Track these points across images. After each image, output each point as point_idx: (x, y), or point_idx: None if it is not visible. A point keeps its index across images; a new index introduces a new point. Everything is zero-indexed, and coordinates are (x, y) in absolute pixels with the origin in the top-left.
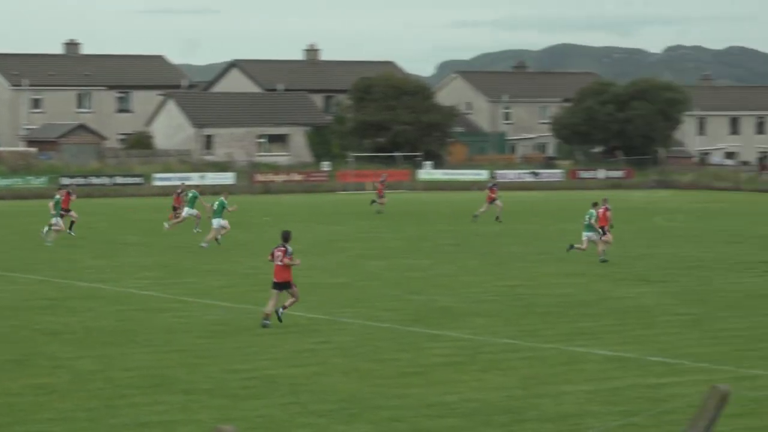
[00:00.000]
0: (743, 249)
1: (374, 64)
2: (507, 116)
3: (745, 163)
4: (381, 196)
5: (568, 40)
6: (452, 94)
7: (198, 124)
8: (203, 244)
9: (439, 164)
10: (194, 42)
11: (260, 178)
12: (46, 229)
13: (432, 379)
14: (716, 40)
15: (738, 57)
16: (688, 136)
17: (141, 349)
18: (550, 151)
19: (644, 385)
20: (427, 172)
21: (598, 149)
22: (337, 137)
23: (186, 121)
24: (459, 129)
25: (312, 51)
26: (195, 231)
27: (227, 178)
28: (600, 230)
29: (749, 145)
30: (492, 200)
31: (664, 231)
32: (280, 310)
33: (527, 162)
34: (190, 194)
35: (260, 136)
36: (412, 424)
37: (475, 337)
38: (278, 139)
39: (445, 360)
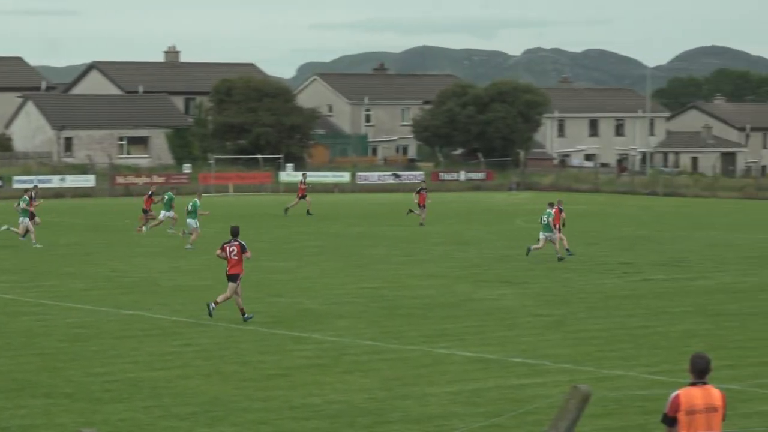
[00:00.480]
0: (603, 250)
1: (235, 66)
2: (368, 118)
3: (604, 164)
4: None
5: (428, 43)
6: (313, 97)
7: (58, 126)
8: (188, 246)
9: (300, 166)
10: (54, 43)
11: (121, 180)
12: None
13: (296, 381)
14: (575, 43)
15: (596, 59)
16: (548, 138)
17: (1, 353)
18: (412, 153)
19: (507, 386)
20: (289, 174)
21: (459, 151)
22: (198, 139)
23: (46, 123)
24: (320, 131)
25: (172, 53)
26: (169, 232)
27: (88, 180)
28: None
29: (608, 147)
30: (423, 204)
31: (524, 233)
32: (212, 305)
33: (389, 164)
34: (167, 196)
35: (121, 138)
36: (276, 426)
37: (338, 339)
38: (139, 141)
39: (308, 362)
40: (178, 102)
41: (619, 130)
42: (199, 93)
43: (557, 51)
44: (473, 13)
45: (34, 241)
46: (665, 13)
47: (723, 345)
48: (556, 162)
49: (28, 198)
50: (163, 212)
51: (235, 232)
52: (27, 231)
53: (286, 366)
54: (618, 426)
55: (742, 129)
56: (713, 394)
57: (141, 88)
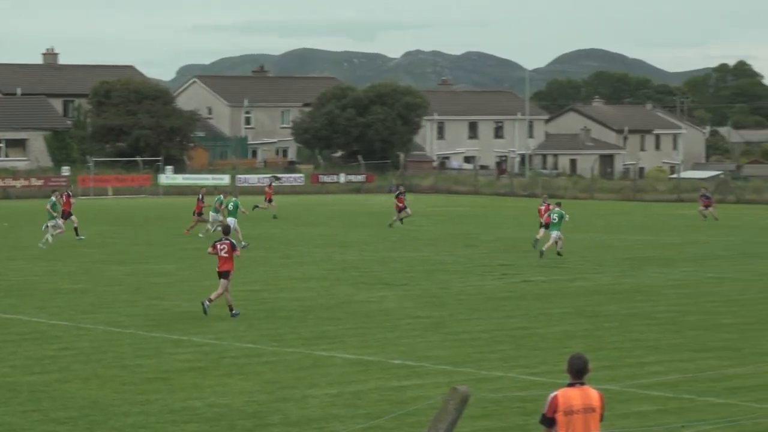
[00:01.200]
0: (482, 252)
1: (114, 68)
2: (248, 120)
3: (483, 167)
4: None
5: (308, 45)
6: (193, 99)
7: None
8: (243, 244)
9: (180, 169)
10: None
11: None
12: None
13: (176, 384)
14: (454, 45)
15: (475, 62)
16: (428, 140)
17: None
18: (292, 155)
19: (387, 388)
20: (168, 177)
21: (339, 153)
22: (77, 142)
23: None
24: (200, 133)
25: (50, 55)
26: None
27: None
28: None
29: (488, 149)
30: (401, 208)
31: (404, 235)
32: (206, 302)
33: (269, 166)
34: (231, 203)
35: None
36: (155, 430)
37: (218, 342)
38: (17, 144)
39: (188, 365)
40: (57, 104)
41: (498, 132)
42: (78, 95)
43: (437, 53)
44: (353, 15)
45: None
46: (544, 16)
47: (601, 346)
48: (435, 164)
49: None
50: (214, 215)
51: (226, 231)
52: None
53: (165, 369)
54: (497, 427)
55: (620, 131)
56: (591, 394)
57: (19, 90)
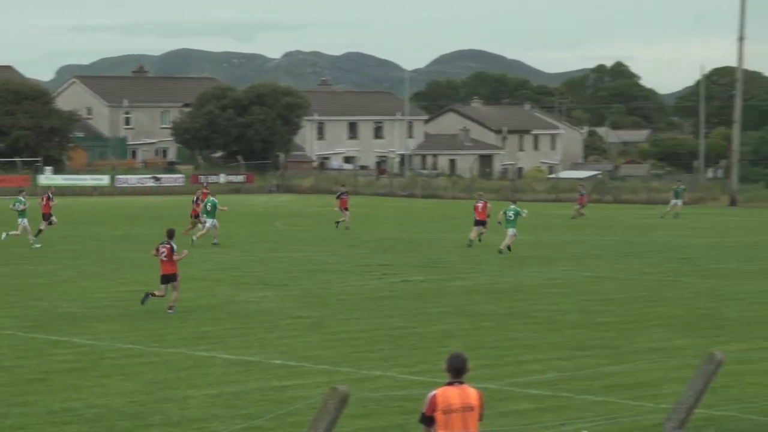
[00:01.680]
0: (362, 252)
1: None
2: (127, 121)
3: (363, 167)
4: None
5: (188, 45)
6: (72, 99)
7: None
8: (215, 241)
9: (59, 169)
10: None
11: None
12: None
13: (55, 385)
14: (334, 46)
15: (355, 62)
16: (308, 140)
17: None
18: (172, 155)
19: (267, 388)
20: (48, 177)
21: (219, 154)
22: None
23: None
24: (79, 134)
25: None
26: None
27: None
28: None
29: (367, 149)
30: (345, 208)
31: (284, 235)
32: (168, 311)
33: (149, 167)
34: (210, 203)
35: None
36: (35, 431)
37: (97, 343)
38: None
39: (68, 366)
40: None
41: (378, 133)
42: None
43: (316, 54)
44: (232, 16)
45: (31, 240)
46: (423, 17)
47: (480, 345)
48: (315, 164)
49: (44, 199)
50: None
51: (170, 235)
52: (25, 231)
53: (44, 370)
54: (377, 426)
55: (498, 131)
56: (470, 393)
57: None
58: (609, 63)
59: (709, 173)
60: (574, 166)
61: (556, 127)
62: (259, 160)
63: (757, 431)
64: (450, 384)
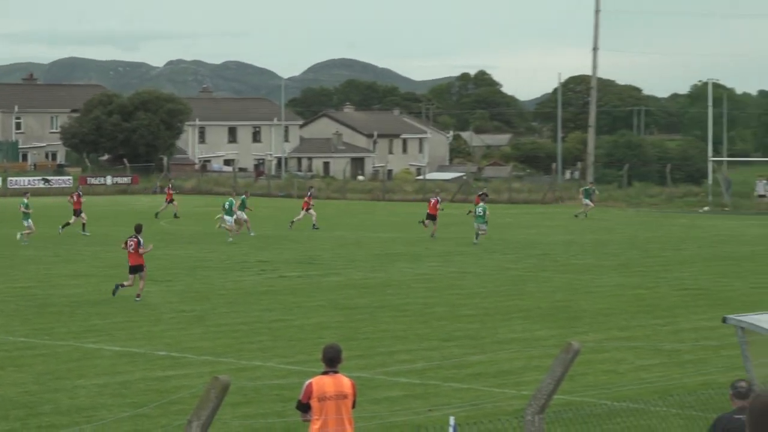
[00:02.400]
0: (242, 249)
1: None
2: (18, 126)
3: (242, 169)
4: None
5: (76, 54)
6: None
7: None
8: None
9: None
10: None
11: None
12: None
13: None
14: (214, 55)
15: (235, 71)
16: (190, 144)
17: None
18: (61, 158)
19: (152, 378)
20: None
21: (105, 157)
22: None
23: None
24: None
25: None
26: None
27: None
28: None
29: (246, 152)
30: (308, 208)
31: (168, 234)
32: (136, 299)
33: (39, 169)
34: (241, 199)
35: None
36: None
37: None
38: None
39: None
40: None
41: (256, 137)
42: None
43: (198, 63)
44: (118, 26)
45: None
46: (299, 27)
47: (353, 336)
48: (197, 167)
49: (75, 196)
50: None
51: (137, 229)
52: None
53: None
54: (256, 413)
55: (369, 135)
56: (343, 382)
57: None
58: (473, 71)
59: (567, 175)
60: (441, 168)
61: (424, 132)
62: (144, 163)
63: (610, 415)
64: (325, 373)
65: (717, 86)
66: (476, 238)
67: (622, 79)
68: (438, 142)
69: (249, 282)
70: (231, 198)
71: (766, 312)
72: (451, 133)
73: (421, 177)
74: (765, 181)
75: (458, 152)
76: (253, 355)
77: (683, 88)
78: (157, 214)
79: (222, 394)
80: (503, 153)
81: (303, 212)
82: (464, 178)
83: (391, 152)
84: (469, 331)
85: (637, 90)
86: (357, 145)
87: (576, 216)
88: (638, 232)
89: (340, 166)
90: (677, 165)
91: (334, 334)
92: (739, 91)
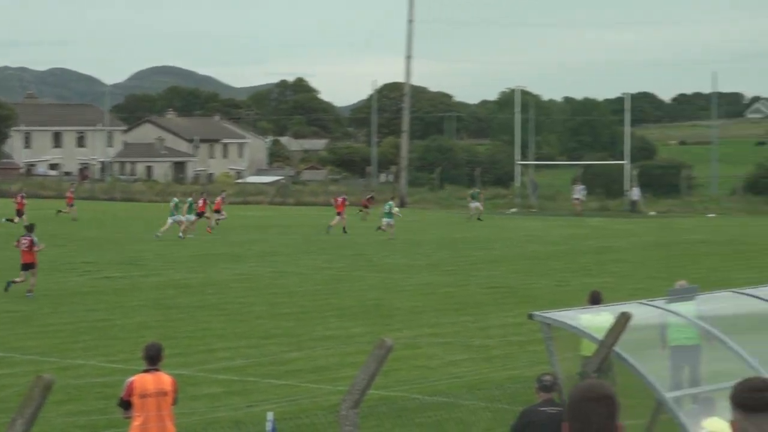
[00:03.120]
0: (68, 251)
1: None
2: None
3: (67, 173)
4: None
5: None
6: None
7: None
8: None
9: None
10: None
11: None
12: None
13: None
14: (40, 62)
15: (60, 77)
16: (16, 149)
17: None
18: None
19: None
20: None
21: None
22: None
23: None
24: None
25: None
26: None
27: None
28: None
29: (71, 157)
30: (202, 212)
31: None
32: (28, 294)
33: None
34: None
35: None
36: None
37: None
38: None
39: None
40: None
41: (81, 142)
42: None
43: (23, 69)
44: None
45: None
46: (123, 35)
47: (173, 335)
48: (23, 171)
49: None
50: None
51: (30, 229)
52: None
53: None
54: (79, 410)
55: (191, 141)
56: (164, 379)
57: None
58: (291, 78)
59: (382, 178)
60: (260, 172)
61: (244, 137)
62: None
63: (422, 408)
64: (146, 371)
65: (524, 93)
66: (387, 232)
67: (434, 86)
68: (257, 146)
69: (74, 283)
70: (190, 199)
71: (570, 309)
72: (270, 138)
73: (240, 180)
74: (582, 187)
75: (277, 156)
76: (76, 354)
77: (492, 95)
78: (59, 212)
79: (45, 392)
80: (320, 157)
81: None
82: (282, 181)
83: (212, 156)
84: (287, 329)
85: (449, 97)
86: (179, 149)
87: (468, 219)
88: (449, 232)
89: (162, 170)
90: (486, 168)
91: (154, 333)
92: (545, 97)
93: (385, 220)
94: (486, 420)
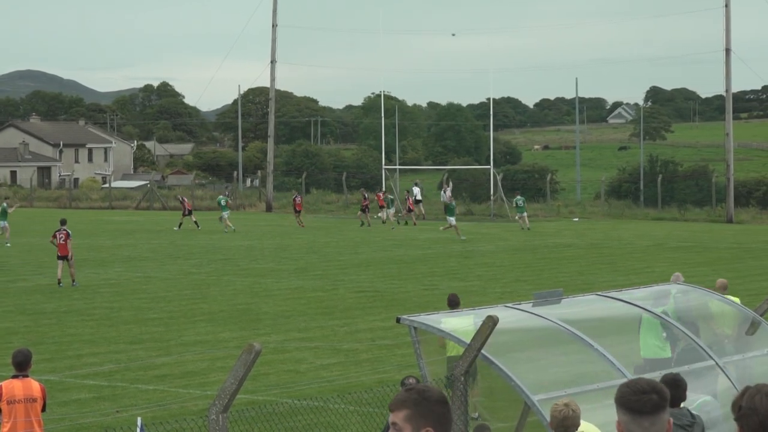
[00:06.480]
0: None
1: None
2: None
3: None
4: None
5: None
6: None
7: None
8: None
9: None
10: None
11: None
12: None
13: None
14: None
15: None
16: None
17: None
18: None
19: None
20: None
21: None
22: None
23: None
24: None
25: None
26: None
27: None
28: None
29: None
30: (189, 212)
31: None
32: (73, 283)
33: None
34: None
35: None
36: None
37: None
38: None
39: None
40: None
41: None
42: None
43: None
44: None
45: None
46: None
47: (42, 341)
48: None
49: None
50: None
51: (63, 222)
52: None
53: None
54: None
55: (56, 145)
56: (33, 385)
57: None
58: (156, 83)
59: (248, 182)
60: (125, 177)
61: (109, 141)
62: None
63: (292, 413)
64: (15, 377)
65: (388, 98)
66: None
67: (299, 91)
68: (122, 151)
69: None
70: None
71: (437, 312)
72: (136, 142)
73: (106, 185)
74: (420, 187)
75: (142, 161)
76: None
77: (357, 100)
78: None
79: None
80: (186, 162)
81: (182, 216)
82: (149, 186)
83: (77, 161)
84: (155, 334)
85: (314, 101)
86: (43, 154)
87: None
88: (316, 237)
89: (27, 174)
90: (353, 173)
91: (22, 339)
92: (410, 102)
93: (224, 214)
94: (355, 424)
